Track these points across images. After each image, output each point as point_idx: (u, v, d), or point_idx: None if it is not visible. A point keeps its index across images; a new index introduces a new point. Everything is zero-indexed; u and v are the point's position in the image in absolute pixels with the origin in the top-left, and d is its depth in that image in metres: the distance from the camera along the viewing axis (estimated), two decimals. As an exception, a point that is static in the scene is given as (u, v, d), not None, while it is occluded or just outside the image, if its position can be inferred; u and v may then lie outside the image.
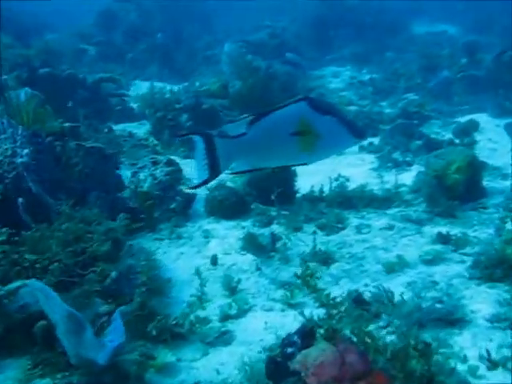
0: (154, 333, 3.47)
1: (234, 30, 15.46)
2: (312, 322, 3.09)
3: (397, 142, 7.25)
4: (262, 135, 2.71)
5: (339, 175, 6.32)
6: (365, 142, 7.27)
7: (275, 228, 5.14)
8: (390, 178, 6.25)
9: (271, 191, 5.25)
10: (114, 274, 3.72)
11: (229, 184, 5.63)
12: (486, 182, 5.98)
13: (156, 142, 6.80)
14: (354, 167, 6.77)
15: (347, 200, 5.56)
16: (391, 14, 17.28)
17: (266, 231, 5.06)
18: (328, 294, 3.13)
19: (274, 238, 4.78)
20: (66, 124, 5.18)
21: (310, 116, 2.71)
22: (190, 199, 5.32)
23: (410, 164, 6.67)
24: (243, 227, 5.17)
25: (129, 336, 3.19)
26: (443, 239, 4.83)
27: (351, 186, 6.03)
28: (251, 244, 4.70)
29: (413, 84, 10.48)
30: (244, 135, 2.72)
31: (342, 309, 3.00)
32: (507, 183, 6.01)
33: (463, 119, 8.80)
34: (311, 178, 6.29)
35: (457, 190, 5.51)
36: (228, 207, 5.23)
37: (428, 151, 6.70)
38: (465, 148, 6.42)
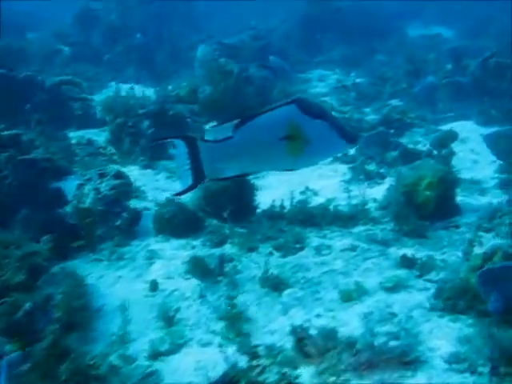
0: (64, 377, 3.06)
1: (222, 30, 15.07)
2: (235, 370, 2.71)
3: (372, 152, 6.84)
4: (249, 139, 2.63)
5: (307, 188, 5.93)
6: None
7: (228, 248, 4.74)
8: (361, 192, 5.86)
9: (227, 206, 4.87)
10: (27, 305, 3.33)
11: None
12: (462, 198, 5.59)
13: (114, 150, 6.39)
14: (325, 179, 6.37)
15: (309, 217, 5.15)
16: (384, 17, 16.94)
17: (217, 251, 4.67)
18: (250, 343, 2.74)
19: (223, 260, 4.37)
20: (5, 132, 4.78)
21: (300, 119, 2.63)
22: (137, 215, 4.92)
23: (383, 177, 6.26)
24: (193, 247, 4.76)
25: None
26: (408, 263, 4.44)
27: (318, 200, 5.65)
28: (197, 267, 4.30)
29: (398, 89, 10.07)
30: (230, 139, 2.63)
31: (267, 362, 2.61)
32: (484, 199, 5.62)
33: (446, 127, 8.42)
34: (276, 190, 5.91)
35: (427, 207, 5.11)
36: (177, 225, 4.82)
37: (404, 163, 6.30)
38: (437, 161, 6.02)
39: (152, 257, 4.62)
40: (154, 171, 6.27)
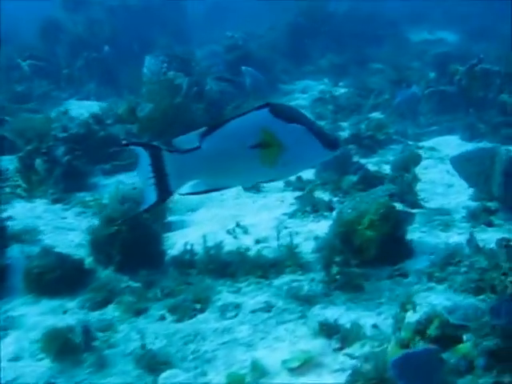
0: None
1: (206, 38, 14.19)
2: None
3: (328, 176, 5.86)
4: (218, 149, 2.40)
5: (237, 225, 4.98)
6: (293, 177, 5.88)
7: (110, 311, 3.81)
8: (302, 229, 4.91)
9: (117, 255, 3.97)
10: None
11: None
12: (420, 235, 4.61)
13: (20, 181, 5.50)
14: (265, 211, 5.39)
15: (224, 266, 4.20)
16: (383, 21, 15.91)
17: (96, 315, 3.75)
18: None
19: (88, 332, 3.43)
20: None
21: (273, 124, 2.40)
22: (3, 270, 4.01)
23: (332, 208, 5.26)
24: (65, 311, 3.82)
25: None
26: (328, 330, 3.47)
27: (246, 240, 4.70)
28: (53, 342, 3.37)
29: (381, 101, 9.08)
30: (197, 149, 2.41)
31: None
32: (447, 235, 4.62)
33: (429, 143, 7.44)
34: (201, 227, 4.97)
35: (369, 251, 4.14)
36: (52, 281, 3.90)
37: (364, 189, 5.34)
38: (397, 188, 5.06)
39: (7, 327, 3.66)
40: (65, 206, 5.36)
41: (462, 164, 4.95)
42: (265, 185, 5.77)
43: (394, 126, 7.79)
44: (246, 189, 5.69)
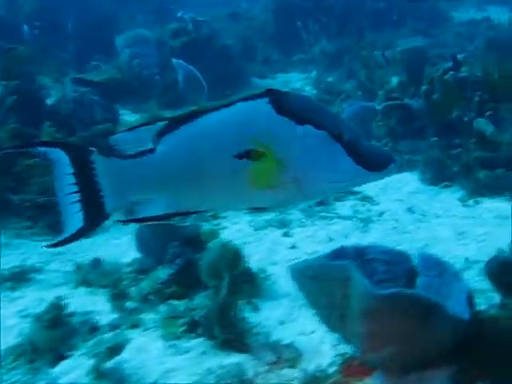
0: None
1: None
2: None
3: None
4: (183, 155, 1.55)
5: None
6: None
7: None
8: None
9: None
10: None
11: None
12: None
13: None
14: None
15: None
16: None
17: None
18: None
19: None
20: None
21: (273, 125, 1.49)
22: None
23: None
24: None
25: None
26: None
27: None
28: None
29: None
30: (150, 153, 1.55)
31: None
32: None
33: (369, 187, 5.01)
34: None
35: None
36: None
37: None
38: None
39: None
40: None
41: (304, 283, 2.61)
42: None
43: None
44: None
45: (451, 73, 4.90)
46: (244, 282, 3.21)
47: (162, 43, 8.35)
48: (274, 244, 3.95)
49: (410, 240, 3.94)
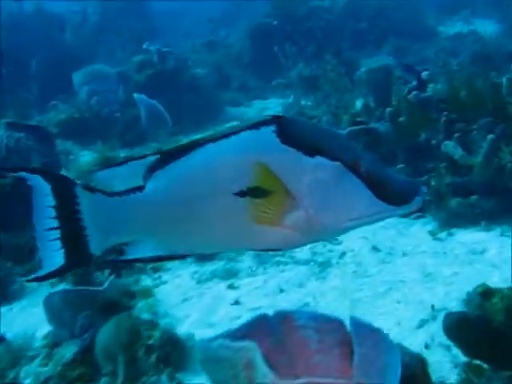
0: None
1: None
2: None
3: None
4: (176, 193, 1.40)
5: None
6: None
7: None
8: None
9: None
10: None
11: None
12: None
13: None
14: None
15: None
16: (401, 13, 12.66)
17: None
18: None
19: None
20: None
21: (278, 156, 1.34)
22: None
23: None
24: None
25: None
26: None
27: None
28: None
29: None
30: (139, 191, 1.42)
31: None
32: None
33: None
34: None
35: None
36: None
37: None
38: None
39: None
40: None
41: (210, 367, 2.17)
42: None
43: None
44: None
45: (414, 92, 4.45)
46: (168, 354, 2.76)
47: (126, 77, 7.97)
48: (215, 300, 3.49)
49: (370, 286, 3.47)
